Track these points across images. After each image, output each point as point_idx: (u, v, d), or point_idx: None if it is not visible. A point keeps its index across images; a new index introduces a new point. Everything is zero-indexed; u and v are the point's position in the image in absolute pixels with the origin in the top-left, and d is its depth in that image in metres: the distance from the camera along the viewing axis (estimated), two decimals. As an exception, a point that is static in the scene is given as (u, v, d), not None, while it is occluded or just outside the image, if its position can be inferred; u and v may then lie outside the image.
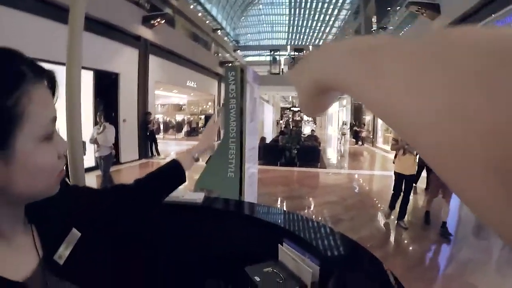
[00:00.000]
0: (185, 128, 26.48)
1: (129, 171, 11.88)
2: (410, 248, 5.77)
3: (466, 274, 4.67)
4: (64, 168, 0.82)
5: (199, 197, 2.36)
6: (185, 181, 1.53)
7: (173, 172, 1.49)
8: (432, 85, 0.22)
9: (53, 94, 0.79)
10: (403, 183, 6.47)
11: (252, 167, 5.00)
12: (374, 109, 0.28)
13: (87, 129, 10.82)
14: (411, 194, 7.02)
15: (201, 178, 4.63)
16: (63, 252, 0.84)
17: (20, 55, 0.71)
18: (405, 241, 6.05)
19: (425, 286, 4.39)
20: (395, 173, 6.52)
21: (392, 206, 6.73)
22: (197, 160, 1.63)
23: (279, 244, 1.71)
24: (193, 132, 14.46)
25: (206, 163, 4.76)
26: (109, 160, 8.37)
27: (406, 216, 6.57)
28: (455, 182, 0.21)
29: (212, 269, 2.07)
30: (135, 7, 14.10)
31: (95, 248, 0.96)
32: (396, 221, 6.60)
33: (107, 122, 8.23)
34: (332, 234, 1.88)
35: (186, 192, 2.48)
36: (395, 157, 6.76)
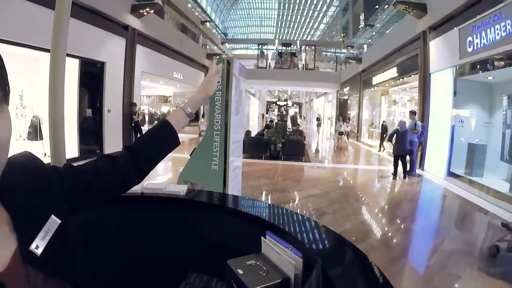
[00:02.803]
0: None
1: None
2: (394, 240, 5.83)
3: (450, 266, 4.74)
4: None
5: (182, 189, 2.35)
6: (178, 143, 1.38)
7: (164, 135, 1.34)
8: None
9: None
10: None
11: (236, 160, 5.00)
12: None
13: (72, 118, 10.73)
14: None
15: (185, 171, 4.62)
16: (40, 242, 0.80)
17: None
18: (389, 234, 6.12)
19: (409, 277, 4.44)
20: None
21: None
22: (190, 115, 1.43)
23: (262, 237, 1.71)
24: None
25: (190, 155, 4.75)
26: None
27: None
28: None
29: (195, 262, 2.06)
30: (124, -5, 13.92)
31: (76, 237, 0.94)
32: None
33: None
34: (315, 227, 1.89)
35: (169, 184, 2.46)
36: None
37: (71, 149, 10.63)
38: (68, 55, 8.37)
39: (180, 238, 2.12)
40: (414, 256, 5.30)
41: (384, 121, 17.63)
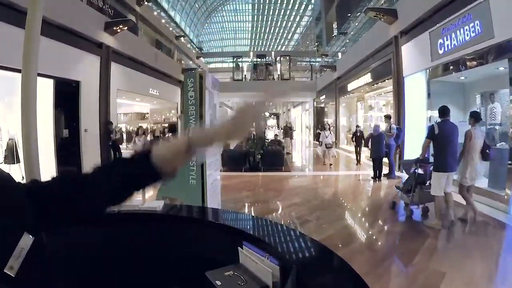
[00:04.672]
0: (148, 137, 25.98)
1: None
2: (377, 243, 5.88)
3: (433, 263, 4.78)
4: None
5: (158, 205, 2.34)
6: (160, 178, 1.05)
7: (143, 168, 1.03)
8: None
9: None
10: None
11: (214, 174, 4.99)
12: None
13: (49, 139, 10.54)
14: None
15: (163, 187, 4.58)
16: (14, 262, 0.76)
17: None
18: (373, 237, 6.19)
19: (393, 279, 4.47)
20: None
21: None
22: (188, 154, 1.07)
23: (239, 247, 1.71)
24: (156, 140, 14.32)
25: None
26: None
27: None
28: None
29: (174, 276, 2.05)
30: (97, 13, 13.83)
31: (52, 257, 0.90)
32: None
33: None
34: (292, 235, 1.91)
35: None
36: None
37: (49, 171, 10.43)
38: (42, 75, 8.22)
39: (159, 253, 2.11)
40: (399, 256, 5.33)
41: (357, 126, 16.86)
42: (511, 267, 4.82)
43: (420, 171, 7.01)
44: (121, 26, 14.26)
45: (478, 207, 7.03)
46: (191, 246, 2.12)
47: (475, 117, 6.58)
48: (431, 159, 6.86)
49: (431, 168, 6.62)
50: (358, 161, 15.58)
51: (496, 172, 7.93)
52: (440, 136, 6.30)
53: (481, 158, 6.61)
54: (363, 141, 14.29)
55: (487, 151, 6.60)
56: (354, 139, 15.56)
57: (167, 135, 12.09)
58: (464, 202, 6.80)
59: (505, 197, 6.96)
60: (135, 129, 25.99)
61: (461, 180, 6.67)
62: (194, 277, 1.70)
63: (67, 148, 11.79)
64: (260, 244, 1.73)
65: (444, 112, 6.44)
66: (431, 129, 6.53)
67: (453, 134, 6.35)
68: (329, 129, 16.44)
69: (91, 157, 12.57)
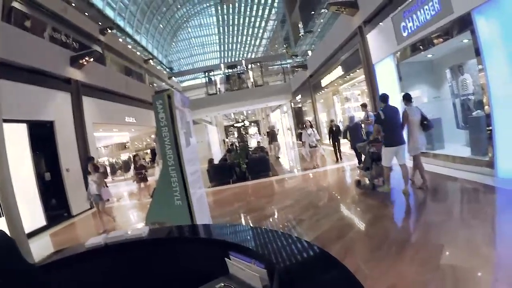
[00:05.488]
0: (132, 166, 25.54)
1: (83, 223, 11.36)
2: (372, 230, 5.91)
3: (432, 238, 4.84)
4: None
5: (143, 231, 2.34)
6: None
7: None
8: None
9: None
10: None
11: (198, 191, 4.98)
12: None
13: (31, 184, 10.38)
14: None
15: (150, 212, 4.58)
16: None
17: None
18: (367, 223, 6.24)
19: (394, 262, 4.46)
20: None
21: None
22: None
23: (226, 258, 1.72)
24: (141, 168, 13.86)
25: (151, 196, 4.73)
26: None
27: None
28: None
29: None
30: (61, 49, 13.74)
31: None
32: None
33: None
34: (276, 236, 1.92)
35: (129, 229, 2.45)
36: None
37: (38, 218, 10.28)
38: (13, 120, 8.16)
39: (150, 277, 2.10)
40: (396, 237, 5.36)
41: (332, 121, 16.22)
42: (507, 226, 4.88)
43: (372, 150, 8.52)
44: (87, 58, 14.13)
45: (465, 176, 7.50)
46: (179, 265, 2.12)
47: (407, 98, 7.84)
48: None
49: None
50: (339, 158, 14.67)
51: (477, 140, 8.12)
52: (385, 120, 7.61)
53: (422, 129, 7.74)
54: (340, 136, 14.26)
55: (425, 122, 7.68)
56: (330, 135, 14.97)
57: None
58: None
59: (490, 162, 7.09)
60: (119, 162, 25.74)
61: (408, 152, 7.93)
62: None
63: (51, 190, 11.60)
64: (246, 251, 1.74)
65: (384, 99, 7.83)
66: (378, 116, 7.92)
67: (395, 116, 7.64)
68: (311, 126, 14.47)
69: (77, 196, 12.39)
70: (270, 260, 1.57)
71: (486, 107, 7.30)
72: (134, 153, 14.23)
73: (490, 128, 7.08)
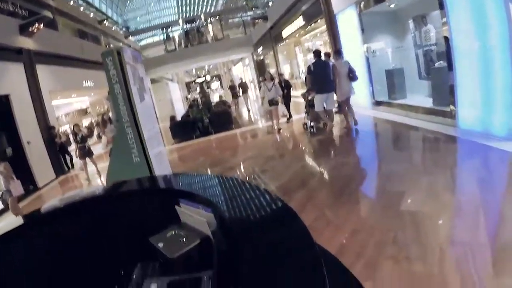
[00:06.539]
0: (95, 131, 24.86)
1: (51, 193, 11.11)
2: (336, 176, 6.08)
3: (392, 185, 4.97)
4: None
5: (98, 188, 2.32)
6: None
7: None
8: None
9: None
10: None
11: (157, 147, 4.94)
12: None
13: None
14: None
15: (109, 172, 4.53)
16: None
17: None
18: (331, 172, 6.38)
19: (354, 205, 4.61)
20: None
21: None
22: None
23: (175, 206, 1.72)
24: (83, 141, 13.00)
25: (109, 155, 4.66)
26: None
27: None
28: None
29: (122, 251, 2.05)
30: (9, 18, 13.01)
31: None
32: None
33: None
34: (224, 181, 1.93)
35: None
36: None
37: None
38: None
39: (106, 233, 2.09)
40: (359, 184, 5.51)
41: (281, 75, 15.01)
42: (467, 175, 5.00)
43: (310, 97, 9.71)
44: (37, 25, 13.38)
45: (426, 126, 7.68)
46: (134, 218, 2.12)
47: (338, 53, 9.75)
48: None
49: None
50: (290, 116, 13.29)
51: (439, 90, 8.15)
52: (315, 72, 9.07)
53: (349, 80, 9.09)
54: (290, 92, 13.77)
55: (351, 75, 9.06)
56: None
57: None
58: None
59: (452, 112, 7.19)
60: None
61: (338, 98, 9.48)
62: (141, 246, 1.70)
63: (15, 165, 11.33)
64: (195, 198, 1.75)
65: (316, 54, 9.26)
66: (308, 68, 9.52)
67: (324, 69, 8.99)
68: (272, 79, 12.05)
69: (41, 167, 12.26)
70: (217, 205, 1.58)
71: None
72: (74, 124, 13.34)
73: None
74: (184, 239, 1.57)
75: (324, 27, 14.39)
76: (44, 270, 1.91)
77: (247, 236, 1.29)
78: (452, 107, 7.20)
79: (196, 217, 1.58)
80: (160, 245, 1.58)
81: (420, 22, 9.11)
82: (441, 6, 7.02)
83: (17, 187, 7.68)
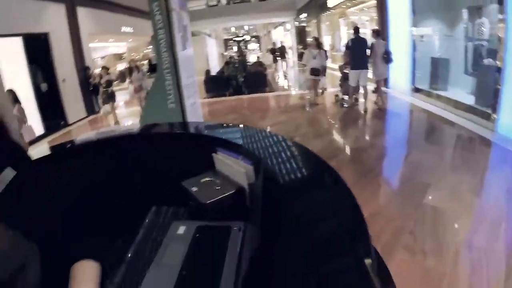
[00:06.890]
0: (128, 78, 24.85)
1: (80, 130, 11.47)
2: (363, 155, 6.03)
3: (419, 176, 4.91)
4: None
5: (134, 127, 2.32)
6: None
7: None
8: None
9: None
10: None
11: (193, 96, 4.94)
12: None
13: (29, 96, 10.36)
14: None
15: (143, 114, 4.56)
16: None
17: None
18: (359, 150, 6.34)
19: (377, 188, 4.58)
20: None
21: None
22: None
23: (213, 153, 1.70)
24: (108, 85, 12.95)
25: (145, 98, 4.70)
26: None
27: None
28: None
29: (153, 192, 2.05)
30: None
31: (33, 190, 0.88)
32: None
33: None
34: (264, 135, 1.90)
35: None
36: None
37: (36, 128, 10.29)
38: (8, 35, 8.04)
39: (139, 171, 2.10)
40: (385, 167, 5.46)
41: (281, 42, 14.82)
42: (495, 181, 4.87)
43: (346, 71, 9.92)
44: (80, -35, 13.32)
45: (463, 123, 7.42)
46: (168, 160, 2.11)
47: (376, 33, 9.57)
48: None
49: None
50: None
51: (483, 89, 7.71)
52: (352, 48, 9.35)
53: (384, 61, 9.25)
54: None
55: (385, 56, 9.20)
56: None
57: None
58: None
59: (492, 115, 6.85)
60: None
61: (374, 76, 9.62)
62: (174, 189, 1.69)
63: (48, 100, 11.63)
64: (234, 147, 1.72)
65: (355, 31, 9.50)
66: (347, 43, 10.22)
67: (361, 46, 9.23)
68: (318, 46, 10.99)
69: (73, 105, 12.66)
70: (258, 158, 1.55)
71: (498, 62, 6.96)
72: (102, 66, 13.16)
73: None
74: (218, 187, 1.56)
75: (374, 2, 13.89)
76: (72, 201, 1.93)
77: (291, 192, 1.26)
78: (493, 110, 6.87)
79: (235, 167, 1.55)
80: (194, 189, 1.57)
81: (475, 13, 8.52)
82: (500, 0, 6.61)
83: (29, 131, 7.48)
